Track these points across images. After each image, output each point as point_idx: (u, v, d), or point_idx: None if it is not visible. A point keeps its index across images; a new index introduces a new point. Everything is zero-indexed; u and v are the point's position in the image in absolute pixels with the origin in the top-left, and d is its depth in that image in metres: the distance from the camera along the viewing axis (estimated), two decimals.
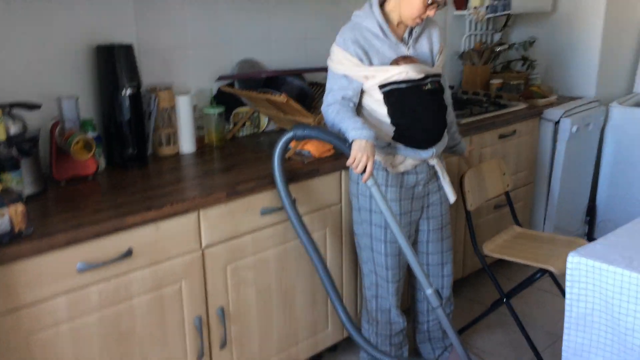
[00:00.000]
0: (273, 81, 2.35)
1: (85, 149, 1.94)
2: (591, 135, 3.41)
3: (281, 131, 2.65)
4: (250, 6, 2.56)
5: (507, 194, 2.71)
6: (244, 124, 2.61)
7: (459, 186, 2.45)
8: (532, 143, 3.18)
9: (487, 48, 3.43)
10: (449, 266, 2.27)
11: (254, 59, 2.61)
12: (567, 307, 1.72)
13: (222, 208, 1.91)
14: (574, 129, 3.13)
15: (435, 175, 2.14)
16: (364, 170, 1.85)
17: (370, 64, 1.98)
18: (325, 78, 2.07)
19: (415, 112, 1.98)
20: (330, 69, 2.02)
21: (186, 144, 2.36)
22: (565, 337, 1.74)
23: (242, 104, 2.60)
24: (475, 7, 3.32)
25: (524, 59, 3.67)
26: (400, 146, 2.03)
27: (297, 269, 2.19)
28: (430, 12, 1.94)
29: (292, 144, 2.32)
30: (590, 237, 3.69)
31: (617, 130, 3.48)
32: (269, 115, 2.59)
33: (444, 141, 2.11)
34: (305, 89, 2.38)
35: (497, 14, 3.26)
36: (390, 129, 2.00)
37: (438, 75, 2.05)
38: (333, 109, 1.97)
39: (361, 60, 1.97)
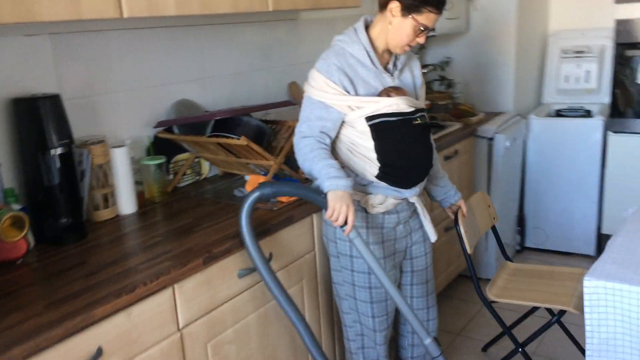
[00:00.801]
0: (223, 122, 2.09)
1: (14, 227, 1.57)
2: (518, 148, 3.50)
3: (227, 177, 2.40)
4: (180, 43, 2.29)
5: (493, 227, 2.57)
6: (184, 173, 2.31)
7: (454, 227, 2.25)
8: (470, 161, 3.18)
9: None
10: (434, 309, 2.12)
11: (190, 99, 2.33)
12: (588, 334, 1.65)
13: (199, 277, 1.63)
14: (507, 143, 3.18)
15: (415, 212, 2.00)
16: (345, 222, 1.70)
17: (356, 93, 1.80)
18: (280, 114, 1.88)
19: (404, 148, 1.82)
20: (309, 96, 1.82)
21: (126, 203, 2.02)
22: (587, 358, 1.66)
23: (180, 151, 2.30)
24: None
25: (442, 78, 3.70)
26: (383, 185, 1.86)
27: (278, 331, 1.93)
28: (420, 39, 1.82)
29: (249, 189, 2.08)
30: (522, 246, 3.77)
31: (537, 140, 3.60)
32: (213, 161, 2.32)
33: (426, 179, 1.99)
34: (263, 128, 2.15)
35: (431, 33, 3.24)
36: (374, 166, 1.82)
37: (424, 110, 1.92)
38: (307, 144, 1.78)
39: (346, 89, 1.79)
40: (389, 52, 1.87)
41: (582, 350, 2.46)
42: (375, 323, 1.95)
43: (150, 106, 2.22)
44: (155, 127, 2.17)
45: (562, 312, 2.17)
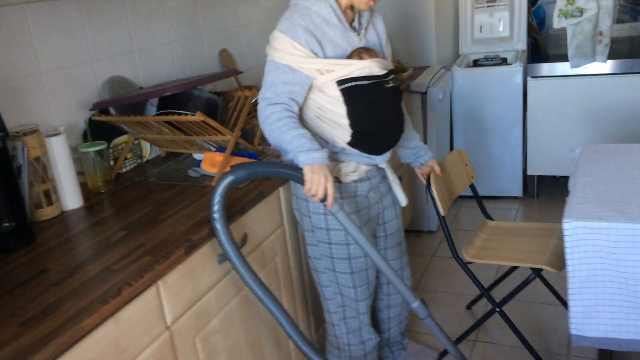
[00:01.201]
0: (171, 98, 1.91)
1: None
2: (447, 100, 3.56)
3: (172, 157, 2.22)
4: (103, 15, 2.05)
5: (472, 186, 2.49)
6: (125, 158, 2.11)
7: (426, 190, 2.16)
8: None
9: None
10: (407, 270, 2.12)
11: (122, 76, 2.11)
12: (569, 274, 1.70)
13: (182, 269, 1.49)
14: (440, 96, 3.21)
15: (384, 177, 1.95)
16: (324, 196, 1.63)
17: (324, 55, 1.69)
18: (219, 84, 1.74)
19: (377, 113, 1.73)
20: (272, 60, 1.68)
21: (70, 198, 1.81)
22: (571, 302, 1.72)
23: (117, 133, 2.09)
24: None
25: None
26: (355, 152, 1.78)
27: (260, 313, 1.84)
28: None
29: (206, 168, 1.94)
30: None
31: (461, 91, 3.67)
32: (156, 142, 2.13)
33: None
34: (215, 100, 1.99)
35: None
36: (346, 133, 1.73)
37: (394, 72, 1.83)
38: (274, 112, 1.66)
39: (314, 51, 1.67)
40: (352, 9, 1.77)
41: (561, 299, 2.54)
42: (357, 293, 1.90)
43: (80, 87, 1.98)
44: (92, 109, 1.94)
45: (538, 270, 2.17)
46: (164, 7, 2.32)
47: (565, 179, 3.67)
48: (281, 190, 1.94)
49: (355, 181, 1.84)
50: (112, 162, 2.06)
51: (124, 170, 2.11)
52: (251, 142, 2.09)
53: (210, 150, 2.07)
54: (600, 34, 3.20)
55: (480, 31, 3.91)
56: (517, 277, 2.46)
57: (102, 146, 1.91)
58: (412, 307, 1.79)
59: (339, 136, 1.74)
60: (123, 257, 1.43)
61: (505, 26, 3.83)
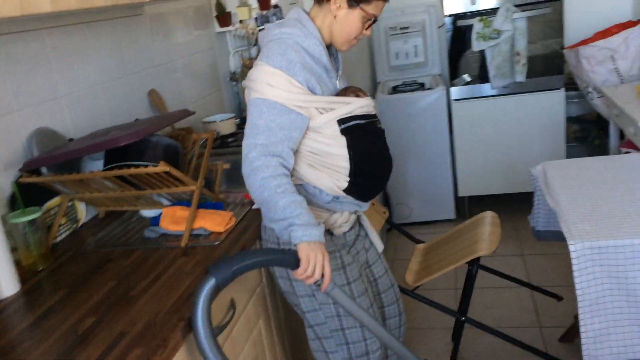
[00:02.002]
0: (121, 149, 1.61)
1: None
2: None
3: (111, 218, 1.91)
4: (21, 56, 1.72)
5: (388, 221, 2.47)
6: (60, 224, 1.76)
7: None
8: None
9: None
10: (404, 315, 1.91)
11: (48, 127, 1.78)
12: (579, 297, 1.63)
13: (180, 356, 1.21)
14: None
15: (359, 224, 1.79)
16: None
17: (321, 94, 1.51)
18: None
19: (375, 155, 1.58)
20: (266, 99, 1.46)
21: (6, 282, 1.45)
22: (582, 326, 1.65)
23: (49, 195, 1.75)
24: (241, 22, 3.00)
25: None
26: (348, 200, 1.60)
27: None
28: (367, 31, 1.58)
29: (167, 226, 1.67)
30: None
31: (387, 118, 3.63)
32: (95, 201, 1.80)
33: None
34: (175, 146, 1.71)
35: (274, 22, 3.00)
36: (343, 179, 1.54)
37: None
38: (269, 166, 1.43)
39: (312, 90, 1.49)
40: (328, 48, 1.62)
41: (510, 278, 2.50)
42: (369, 345, 1.66)
43: (2, 142, 1.63)
44: (24, 169, 1.60)
45: (477, 260, 2.17)
46: (88, 44, 2.02)
47: (493, 197, 3.74)
48: (257, 242, 1.71)
49: (345, 232, 1.67)
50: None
51: (58, 239, 1.76)
52: (211, 190, 1.84)
53: (162, 204, 1.80)
54: (518, 54, 3.32)
55: (397, 58, 3.94)
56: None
57: (36, 214, 1.57)
58: None
59: (335, 183, 1.55)
60: (105, 354, 1.13)
61: (420, 52, 3.88)
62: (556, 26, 3.35)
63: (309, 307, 1.62)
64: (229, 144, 2.57)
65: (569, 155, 3.51)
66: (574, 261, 1.60)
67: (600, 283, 1.61)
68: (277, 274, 1.64)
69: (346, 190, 1.56)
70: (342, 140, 1.52)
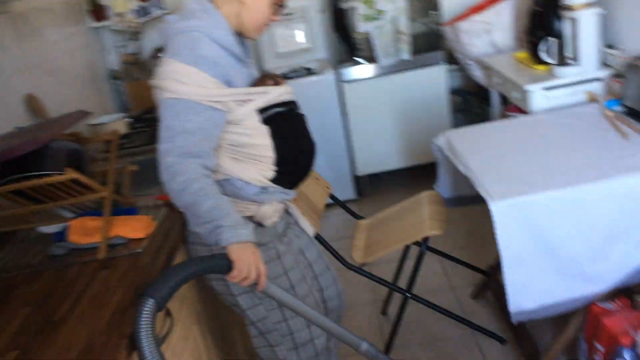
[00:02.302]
0: (16, 160, 1.41)
1: None
2: None
3: (2, 240, 1.69)
4: None
5: (331, 196, 2.44)
6: None
7: None
8: None
9: (151, 57, 2.97)
10: (344, 294, 1.91)
11: None
12: (502, 253, 1.70)
13: None
14: None
15: (287, 211, 1.73)
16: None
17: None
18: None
19: (297, 142, 1.55)
20: (179, 98, 1.35)
21: None
22: (506, 279, 1.73)
23: None
24: (119, 15, 2.80)
25: None
26: (276, 190, 1.54)
27: None
28: (277, 17, 1.52)
29: (77, 239, 1.51)
30: None
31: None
32: None
33: None
34: (79, 151, 1.53)
35: (150, 16, 2.83)
36: (268, 168, 1.49)
37: None
38: (189, 169, 1.34)
39: (228, 84, 1.41)
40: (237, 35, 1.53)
41: (456, 260, 2.58)
42: (311, 331, 1.64)
43: None
44: None
45: (425, 240, 2.17)
46: None
47: (391, 173, 3.85)
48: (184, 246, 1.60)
49: (275, 222, 1.61)
50: None
51: None
52: (120, 195, 1.69)
53: (64, 217, 1.62)
54: (401, 32, 3.41)
55: (282, 45, 3.89)
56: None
57: None
58: (362, 350, 1.60)
59: (261, 173, 1.50)
60: None
61: (305, 37, 3.87)
62: (433, 4, 3.49)
63: (249, 304, 1.55)
64: (124, 146, 2.39)
65: (454, 125, 3.68)
66: (495, 219, 1.67)
67: (520, 237, 1.70)
68: (210, 276, 1.54)
69: (273, 180, 1.51)
70: (264, 129, 1.47)
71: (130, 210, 1.63)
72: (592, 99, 2.30)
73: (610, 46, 2.34)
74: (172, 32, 1.42)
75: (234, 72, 1.44)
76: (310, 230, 1.80)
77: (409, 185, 3.69)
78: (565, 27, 2.33)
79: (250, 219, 1.53)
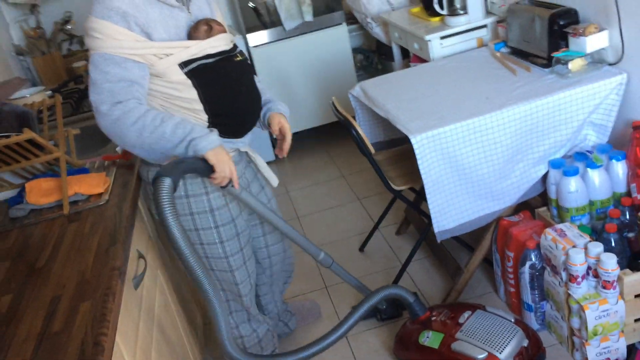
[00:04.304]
0: None
1: None
2: None
3: None
4: None
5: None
6: None
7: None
8: None
9: (53, 31, 2.90)
10: (290, 250, 2.05)
11: None
12: (424, 181, 1.95)
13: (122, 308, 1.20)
14: None
15: (249, 162, 1.80)
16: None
17: (154, 40, 1.45)
18: None
19: (232, 91, 1.57)
20: (97, 52, 1.41)
21: None
22: (430, 203, 1.98)
23: None
24: None
25: (72, 36, 3.28)
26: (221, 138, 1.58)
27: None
28: None
29: (36, 200, 1.57)
30: None
31: None
32: None
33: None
34: (27, 112, 1.55)
35: None
36: (202, 118, 1.54)
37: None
38: (131, 111, 1.40)
39: (150, 35, 1.43)
40: None
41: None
42: (240, 288, 1.78)
43: None
44: None
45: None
46: None
47: (306, 132, 4.02)
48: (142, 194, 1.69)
49: None
50: None
51: None
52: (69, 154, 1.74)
53: (11, 183, 1.66)
54: None
55: None
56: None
57: None
58: (319, 259, 1.80)
59: (198, 122, 1.54)
60: (48, 321, 1.08)
61: None
62: None
63: (209, 240, 1.67)
64: (50, 118, 2.37)
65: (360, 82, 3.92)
66: (416, 152, 1.91)
67: (437, 165, 1.95)
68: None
69: (211, 128, 1.56)
70: (189, 82, 1.49)
71: (82, 170, 1.69)
72: (482, 44, 2.61)
73: None
74: None
75: (158, 21, 1.44)
76: (274, 180, 1.82)
77: (323, 142, 3.91)
78: None
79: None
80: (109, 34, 1.39)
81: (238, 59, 1.63)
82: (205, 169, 1.45)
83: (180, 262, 1.39)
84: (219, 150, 1.46)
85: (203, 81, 1.51)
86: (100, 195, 1.58)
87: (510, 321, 1.79)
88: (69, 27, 3.15)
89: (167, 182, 1.31)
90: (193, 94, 1.50)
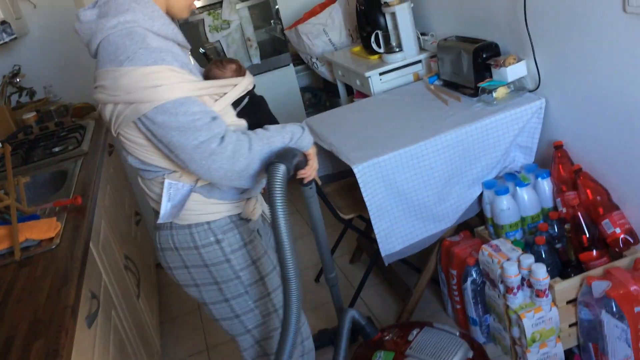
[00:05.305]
0: None
1: None
2: None
3: None
4: None
5: None
6: None
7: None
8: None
9: (1, 84, 2.94)
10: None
11: None
12: (368, 206, 2.05)
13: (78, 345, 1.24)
14: None
15: None
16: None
17: None
18: None
19: (272, 123, 1.49)
20: (170, 102, 1.21)
21: None
22: (375, 229, 2.08)
23: None
24: None
25: (20, 89, 3.32)
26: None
27: None
28: None
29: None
30: None
31: None
32: None
33: None
34: None
35: (5, 40, 2.82)
36: None
37: None
38: (238, 141, 1.28)
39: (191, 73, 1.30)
40: None
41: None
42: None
43: None
44: None
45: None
46: None
47: None
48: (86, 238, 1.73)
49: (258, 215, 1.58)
50: None
51: None
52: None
53: None
54: (249, 39, 3.71)
55: None
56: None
57: None
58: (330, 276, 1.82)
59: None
60: (2, 357, 1.12)
61: None
62: (273, 13, 3.83)
63: (231, 293, 1.50)
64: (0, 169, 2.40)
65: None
66: (359, 180, 2.02)
67: (380, 191, 2.07)
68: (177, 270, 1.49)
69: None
70: (243, 123, 1.41)
71: (33, 217, 1.73)
72: (417, 78, 2.78)
73: (423, 33, 2.84)
74: (103, 31, 1.25)
75: (188, 63, 1.31)
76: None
77: None
78: (387, 21, 2.78)
79: (238, 216, 1.47)
80: (170, 78, 1.22)
81: (257, 94, 1.66)
82: (304, 162, 1.43)
83: (278, 254, 1.31)
84: (314, 146, 1.45)
85: (250, 119, 1.44)
86: (51, 239, 1.62)
87: (455, 335, 1.89)
88: (17, 80, 3.19)
89: (282, 168, 1.25)
90: None
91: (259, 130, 1.35)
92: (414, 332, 1.94)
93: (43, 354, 1.10)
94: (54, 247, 1.58)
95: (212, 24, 3.63)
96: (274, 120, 1.72)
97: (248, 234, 1.48)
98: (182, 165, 1.28)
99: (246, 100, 1.51)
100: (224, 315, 1.52)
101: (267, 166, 1.29)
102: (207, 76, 1.50)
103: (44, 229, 1.63)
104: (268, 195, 1.28)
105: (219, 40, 3.68)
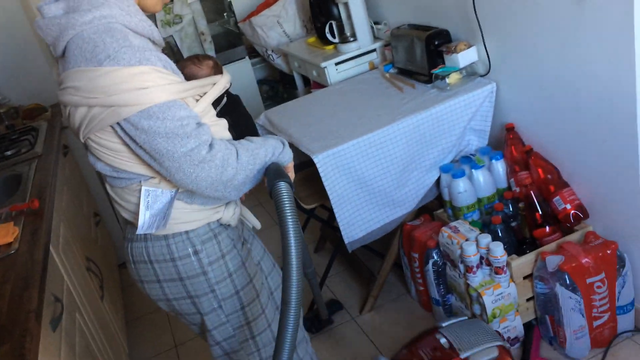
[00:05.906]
0: None
1: None
2: None
3: None
4: None
5: None
6: None
7: None
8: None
9: None
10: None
11: None
12: (330, 195, 2.08)
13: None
14: None
15: None
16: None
17: None
18: None
19: (250, 124, 1.56)
20: (157, 105, 1.13)
21: None
22: (337, 217, 2.12)
23: None
24: None
25: None
26: None
27: None
28: None
29: None
30: None
31: None
32: None
33: None
34: None
35: None
36: None
37: None
38: (220, 150, 1.20)
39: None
40: None
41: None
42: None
43: None
44: None
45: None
46: None
47: None
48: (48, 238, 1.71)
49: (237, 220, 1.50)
50: None
51: None
52: None
53: None
54: (202, 33, 3.68)
55: None
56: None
57: None
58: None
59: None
60: None
61: None
62: (225, 6, 3.81)
63: (225, 294, 1.42)
64: None
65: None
66: (320, 169, 2.04)
67: (340, 180, 2.10)
68: (176, 297, 1.40)
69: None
70: (223, 122, 1.32)
71: None
72: (373, 67, 2.81)
73: (377, 22, 2.87)
74: (74, 27, 1.14)
75: (170, 62, 1.22)
76: (257, 223, 1.64)
77: None
78: (341, 11, 2.80)
79: (218, 222, 1.38)
80: (155, 80, 1.13)
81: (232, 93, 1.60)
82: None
83: (284, 273, 1.17)
84: (292, 161, 1.40)
85: (229, 117, 1.37)
86: (9, 244, 1.59)
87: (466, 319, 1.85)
88: None
89: (283, 184, 1.19)
90: (226, 134, 1.33)
91: (242, 141, 1.29)
92: (439, 339, 1.77)
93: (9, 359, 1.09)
94: (12, 252, 1.55)
95: (164, 19, 3.58)
96: (250, 119, 1.69)
97: (226, 244, 1.40)
98: (165, 173, 1.19)
99: (225, 99, 1.47)
100: (195, 324, 1.46)
101: (271, 187, 1.22)
102: (183, 74, 1.39)
103: (1, 234, 1.60)
104: (279, 216, 1.19)
105: (171, 35, 3.64)
